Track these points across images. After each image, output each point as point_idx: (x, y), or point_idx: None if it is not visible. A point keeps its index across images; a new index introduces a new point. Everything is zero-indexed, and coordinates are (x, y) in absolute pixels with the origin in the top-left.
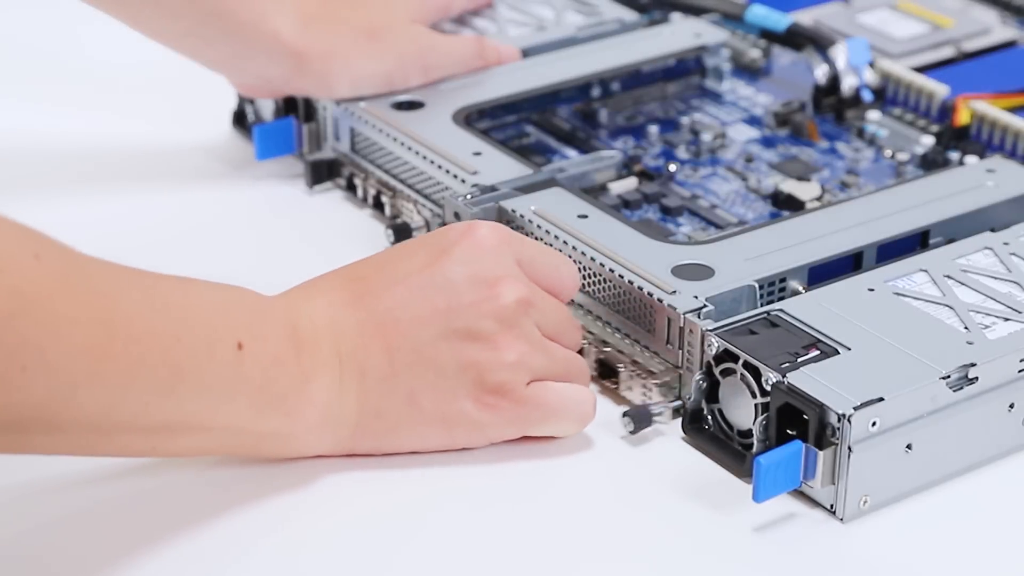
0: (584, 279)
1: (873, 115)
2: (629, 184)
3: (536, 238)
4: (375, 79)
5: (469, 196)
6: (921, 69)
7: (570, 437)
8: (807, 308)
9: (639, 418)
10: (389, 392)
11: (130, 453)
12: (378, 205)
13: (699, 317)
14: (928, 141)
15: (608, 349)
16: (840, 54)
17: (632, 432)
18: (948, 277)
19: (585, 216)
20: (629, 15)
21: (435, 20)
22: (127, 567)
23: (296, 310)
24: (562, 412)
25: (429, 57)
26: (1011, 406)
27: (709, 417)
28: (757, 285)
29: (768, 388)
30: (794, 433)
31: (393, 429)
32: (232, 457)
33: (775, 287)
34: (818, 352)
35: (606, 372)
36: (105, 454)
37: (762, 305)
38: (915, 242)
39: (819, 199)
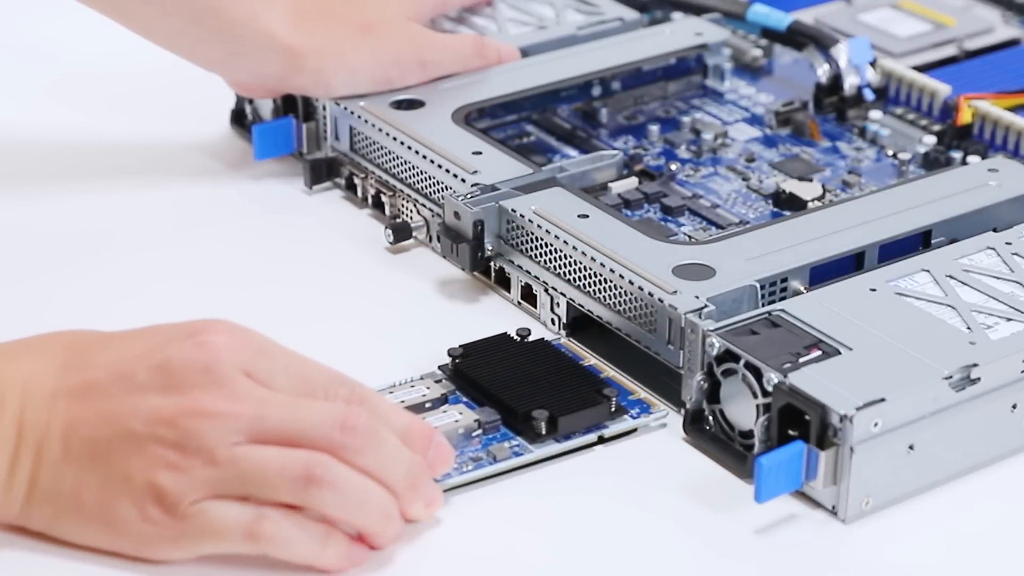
0: (584, 279)
1: (875, 114)
2: (630, 184)
3: (536, 238)
4: (372, 75)
5: (469, 196)
6: (923, 68)
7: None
8: (809, 308)
9: None
10: (58, 479)
11: None
12: (378, 205)
13: (700, 317)
14: (930, 140)
15: None
16: (842, 53)
17: None
18: (950, 277)
19: (586, 216)
20: (630, 14)
21: (431, 17)
22: None
23: None
24: (229, 535)
25: (426, 53)
26: (1014, 407)
27: (710, 418)
28: (758, 285)
29: (770, 388)
30: (796, 434)
31: (58, 518)
32: None
33: (776, 287)
34: (820, 352)
35: None
36: None
37: (763, 305)
38: (917, 242)
39: (821, 199)
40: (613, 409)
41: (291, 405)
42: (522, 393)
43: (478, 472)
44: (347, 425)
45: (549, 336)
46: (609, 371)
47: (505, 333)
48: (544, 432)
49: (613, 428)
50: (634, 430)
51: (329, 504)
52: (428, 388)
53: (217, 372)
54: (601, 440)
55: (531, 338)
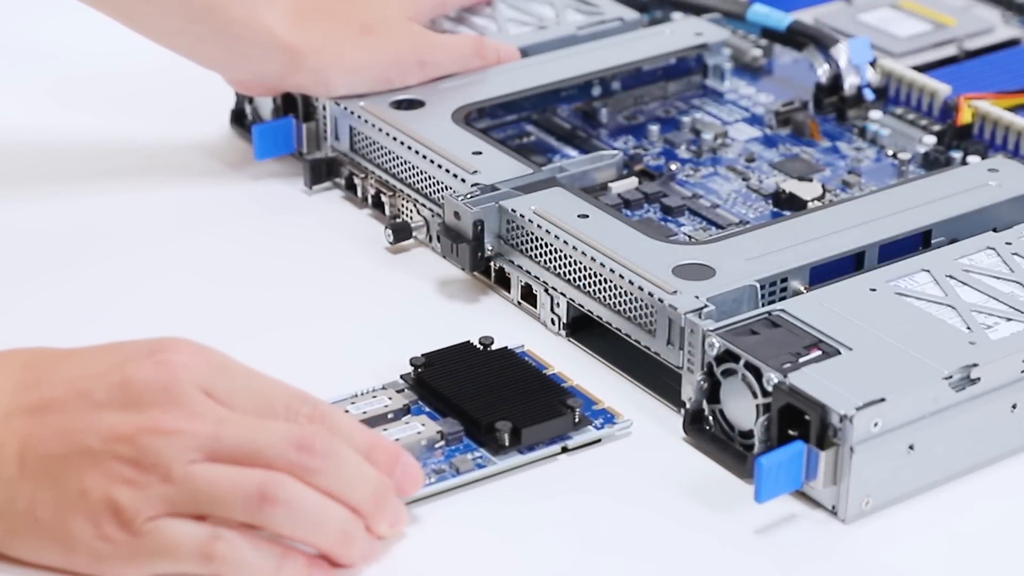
0: (584, 279)
1: (875, 114)
2: (630, 184)
3: (536, 238)
4: (371, 73)
5: (469, 196)
6: (923, 68)
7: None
8: (809, 308)
9: None
10: (13, 496)
11: None
12: (378, 205)
13: (700, 317)
14: (930, 140)
15: None
16: (842, 53)
17: None
18: (950, 277)
19: (586, 216)
20: (630, 14)
21: (431, 17)
22: None
23: None
24: (184, 554)
25: (425, 53)
26: (1013, 407)
27: (710, 418)
28: (758, 285)
29: (769, 388)
30: (796, 434)
31: (12, 535)
32: None
33: (776, 287)
34: (820, 352)
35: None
36: None
37: (763, 305)
38: (917, 242)
39: (821, 199)
40: (577, 420)
41: (248, 425)
42: (485, 404)
43: (441, 484)
44: (304, 445)
45: (549, 339)
46: (572, 380)
47: (468, 342)
48: (507, 444)
49: (577, 439)
50: (598, 440)
51: (284, 523)
52: (390, 398)
53: (176, 391)
54: (565, 451)
55: (495, 346)
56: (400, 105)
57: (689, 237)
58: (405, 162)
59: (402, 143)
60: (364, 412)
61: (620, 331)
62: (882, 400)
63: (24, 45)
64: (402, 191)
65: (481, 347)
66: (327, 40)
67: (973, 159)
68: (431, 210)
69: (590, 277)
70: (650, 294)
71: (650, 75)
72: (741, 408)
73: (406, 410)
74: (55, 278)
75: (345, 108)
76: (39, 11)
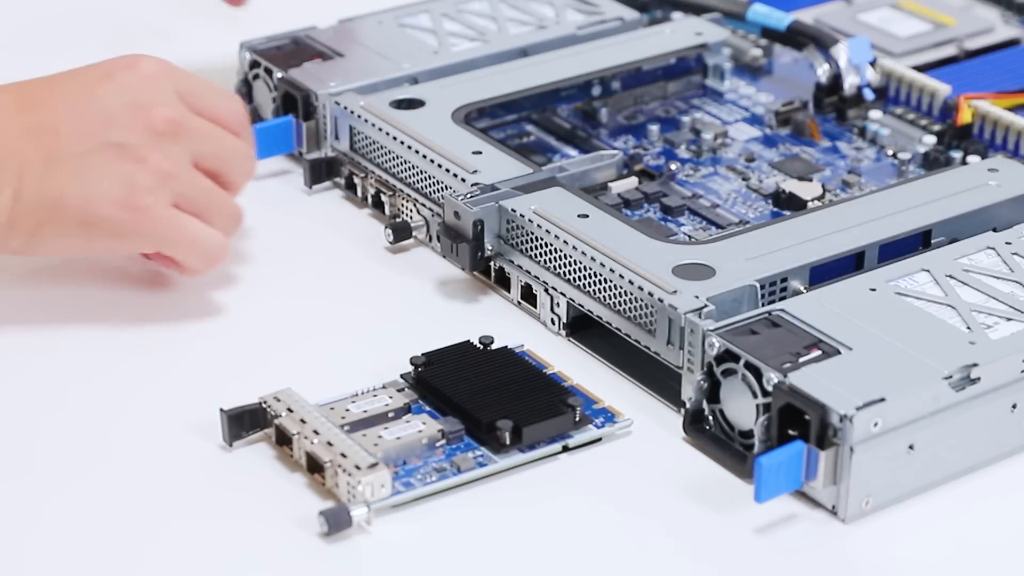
0: (584, 279)
1: (875, 114)
2: (629, 183)
3: (536, 238)
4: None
5: (469, 195)
6: (923, 68)
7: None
8: (809, 308)
9: (335, 519)
10: (39, 192)
11: None
12: (378, 204)
13: (700, 317)
14: (930, 140)
15: (315, 443)
16: (842, 53)
17: (327, 533)
18: (950, 277)
19: (585, 216)
20: (630, 13)
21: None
22: None
23: None
24: (186, 245)
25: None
26: (1014, 406)
27: (710, 417)
28: (758, 285)
29: (770, 388)
30: (796, 433)
31: (39, 228)
32: None
33: (776, 287)
34: (820, 352)
35: (313, 466)
36: None
37: (763, 305)
38: (917, 242)
39: (820, 198)
40: (577, 419)
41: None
42: (486, 403)
43: (442, 483)
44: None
45: (549, 338)
46: (572, 380)
47: (468, 341)
48: (508, 442)
49: (578, 438)
50: (599, 439)
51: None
52: (391, 397)
53: (157, 94)
54: (566, 449)
55: (495, 346)
56: (400, 105)
57: (689, 237)
58: (405, 162)
59: (402, 143)
60: (365, 411)
61: (620, 331)
62: (882, 400)
63: (22, 44)
64: (402, 191)
65: (481, 346)
66: None
67: (973, 159)
68: (431, 210)
69: (590, 277)
70: (650, 294)
71: (650, 75)
72: (741, 408)
73: (407, 409)
74: (52, 277)
75: (345, 108)
76: (38, 10)
